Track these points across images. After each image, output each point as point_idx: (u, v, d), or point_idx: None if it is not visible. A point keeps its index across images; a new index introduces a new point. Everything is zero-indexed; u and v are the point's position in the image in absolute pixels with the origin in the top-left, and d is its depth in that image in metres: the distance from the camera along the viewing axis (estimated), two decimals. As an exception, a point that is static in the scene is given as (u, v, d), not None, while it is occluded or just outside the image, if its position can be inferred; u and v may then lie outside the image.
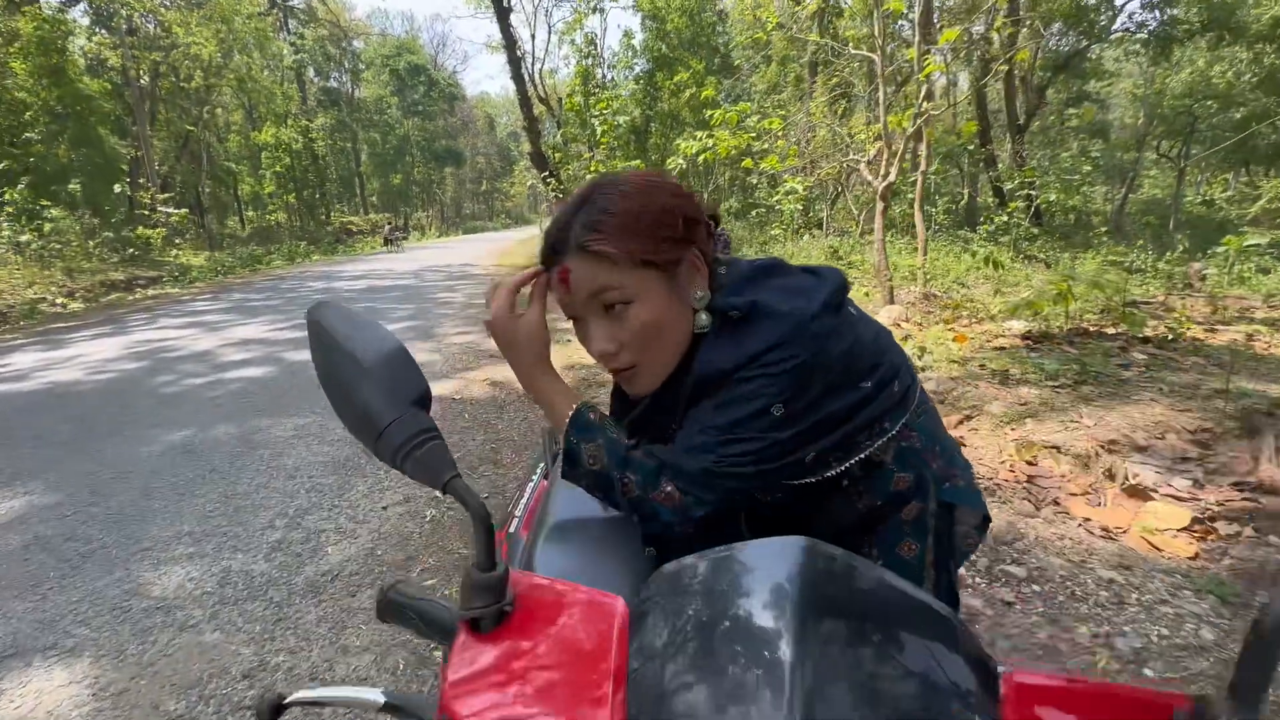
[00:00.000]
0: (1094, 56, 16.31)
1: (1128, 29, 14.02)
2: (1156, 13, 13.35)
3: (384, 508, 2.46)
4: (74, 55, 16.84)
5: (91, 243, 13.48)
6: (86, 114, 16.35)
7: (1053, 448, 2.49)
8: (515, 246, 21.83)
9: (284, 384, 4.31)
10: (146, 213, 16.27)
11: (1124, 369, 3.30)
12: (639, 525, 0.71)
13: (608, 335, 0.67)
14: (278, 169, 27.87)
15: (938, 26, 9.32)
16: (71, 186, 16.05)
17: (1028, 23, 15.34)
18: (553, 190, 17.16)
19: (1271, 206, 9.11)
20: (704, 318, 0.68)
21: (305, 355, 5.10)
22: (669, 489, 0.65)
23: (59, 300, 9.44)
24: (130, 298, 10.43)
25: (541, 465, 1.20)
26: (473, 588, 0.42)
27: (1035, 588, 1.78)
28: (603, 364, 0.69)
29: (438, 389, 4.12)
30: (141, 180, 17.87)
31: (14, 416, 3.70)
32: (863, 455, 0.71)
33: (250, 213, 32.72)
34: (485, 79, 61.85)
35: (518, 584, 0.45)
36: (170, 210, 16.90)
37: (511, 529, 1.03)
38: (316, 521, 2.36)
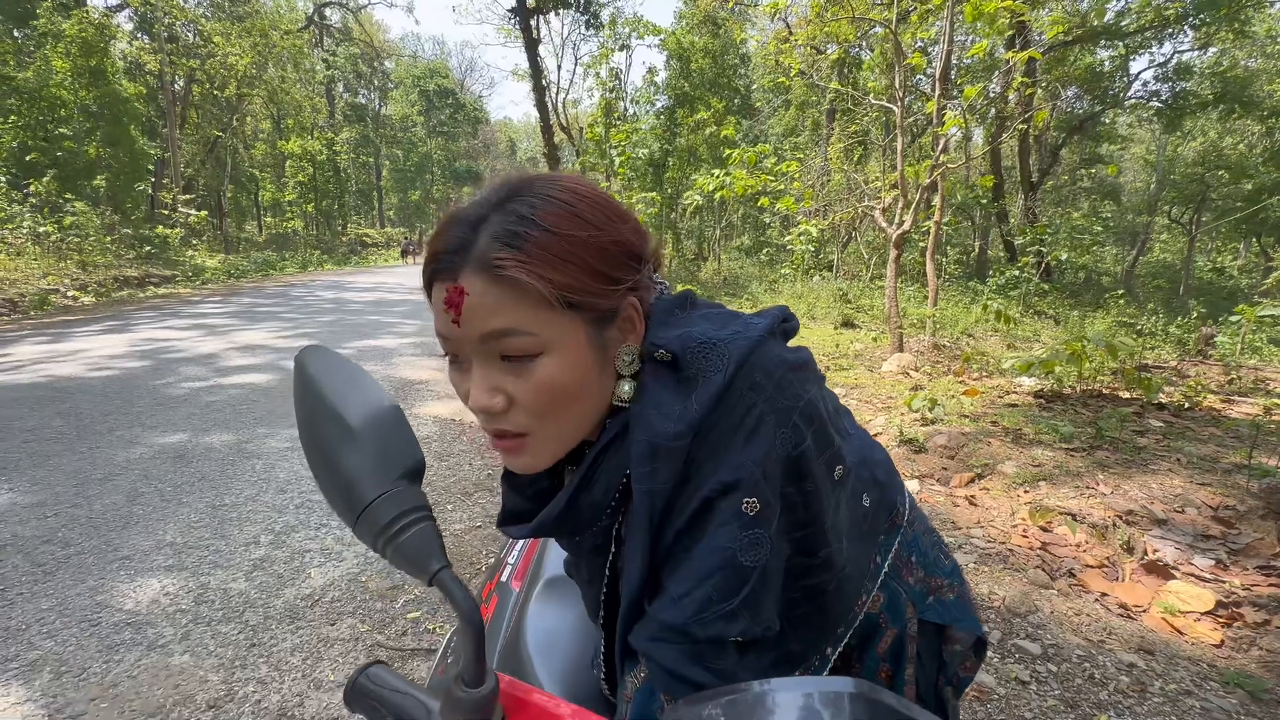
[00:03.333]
0: (1108, 121, 16.60)
1: (1141, 97, 14.28)
2: (1169, 84, 13.62)
3: (373, 530, 2.38)
4: (114, 58, 17.38)
5: (109, 238, 13.65)
6: (120, 114, 16.77)
7: (1068, 514, 2.40)
8: (526, 268, 22.02)
9: (284, 393, 4.26)
10: (167, 212, 16.52)
11: (1140, 435, 3.22)
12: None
13: (495, 386, 0.47)
14: (300, 178, 28.45)
15: (955, 82, 9.50)
16: (96, 182, 16.36)
17: (1044, 85, 15.68)
18: (567, 216, 17.37)
19: None
20: (626, 388, 0.50)
21: (308, 365, 5.08)
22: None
23: (70, 293, 9.51)
24: (141, 295, 10.50)
25: None
26: (457, 705, 0.36)
27: (1051, 667, 1.68)
28: (481, 421, 0.49)
29: (437, 409, 4.07)
30: (166, 180, 18.21)
31: (9, 409, 3.66)
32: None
33: (269, 219, 33.25)
34: (509, 104, 63.47)
35: (508, 697, 0.39)
36: (190, 211, 17.16)
37: (504, 577, 0.96)
38: (302, 540, 2.28)
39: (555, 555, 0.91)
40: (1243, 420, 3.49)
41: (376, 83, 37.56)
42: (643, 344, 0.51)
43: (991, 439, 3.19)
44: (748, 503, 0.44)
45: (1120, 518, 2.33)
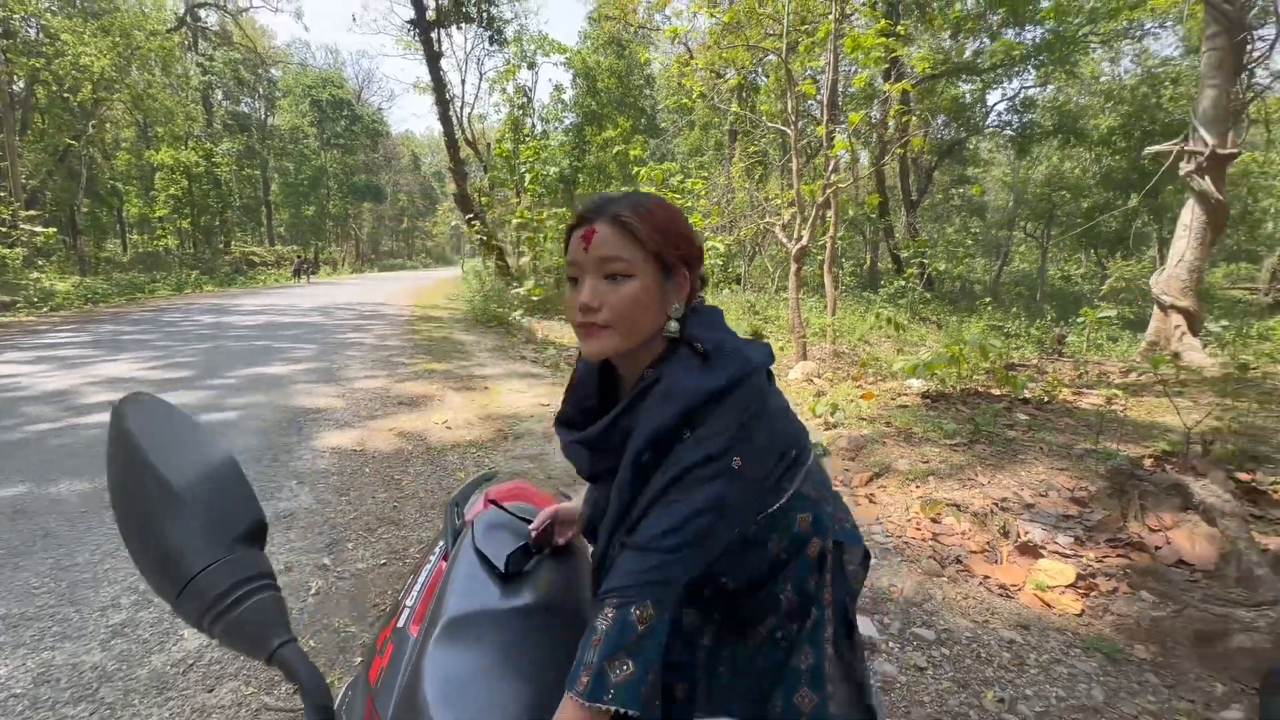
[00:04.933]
0: (972, 146, 18.59)
1: (997, 126, 16.12)
2: (1018, 115, 15.49)
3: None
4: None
5: (-72, 260, 11.73)
6: (-60, 117, 14.52)
7: (954, 505, 2.62)
8: (434, 286, 21.23)
9: (153, 431, 3.81)
10: (4, 230, 14.41)
11: (1010, 429, 3.58)
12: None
13: (599, 293, 0.72)
14: (174, 191, 25.87)
15: (843, 109, 10.27)
16: (-94, 197, 14.04)
17: (917, 113, 17.32)
18: (476, 233, 17.00)
19: (1117, 285, 10.68)
20: (673, 325, 0.75)
21: (179, 398, 4.59)
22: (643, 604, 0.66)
23: (-127, 325, 8.03)
24: (-30, 325, 9.06)
25: (441, 544, 1.07)
26: None
27: (944, 650, 1.80)
28: (581, 315, 0.72)
29: (339, 438, 3.80)
30: (2, 195, 15.91)
31: None
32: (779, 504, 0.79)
33: (136, 236, 29.94)
34: (411, 117, 61.14)
35: None
36: (35, 229, 15.06)
37: (400, 622, 0.90)
38: (174, 598, 2.03)
39: (456, 595, 0.87)
40: (1090, 410, 3.98)
41: (262, 91, 35.01)
42: (685, 328, 0.75)
43: (886, 439, 3.42)
44: (735, 460, 0.67)
45: (996, 505, 2.57)
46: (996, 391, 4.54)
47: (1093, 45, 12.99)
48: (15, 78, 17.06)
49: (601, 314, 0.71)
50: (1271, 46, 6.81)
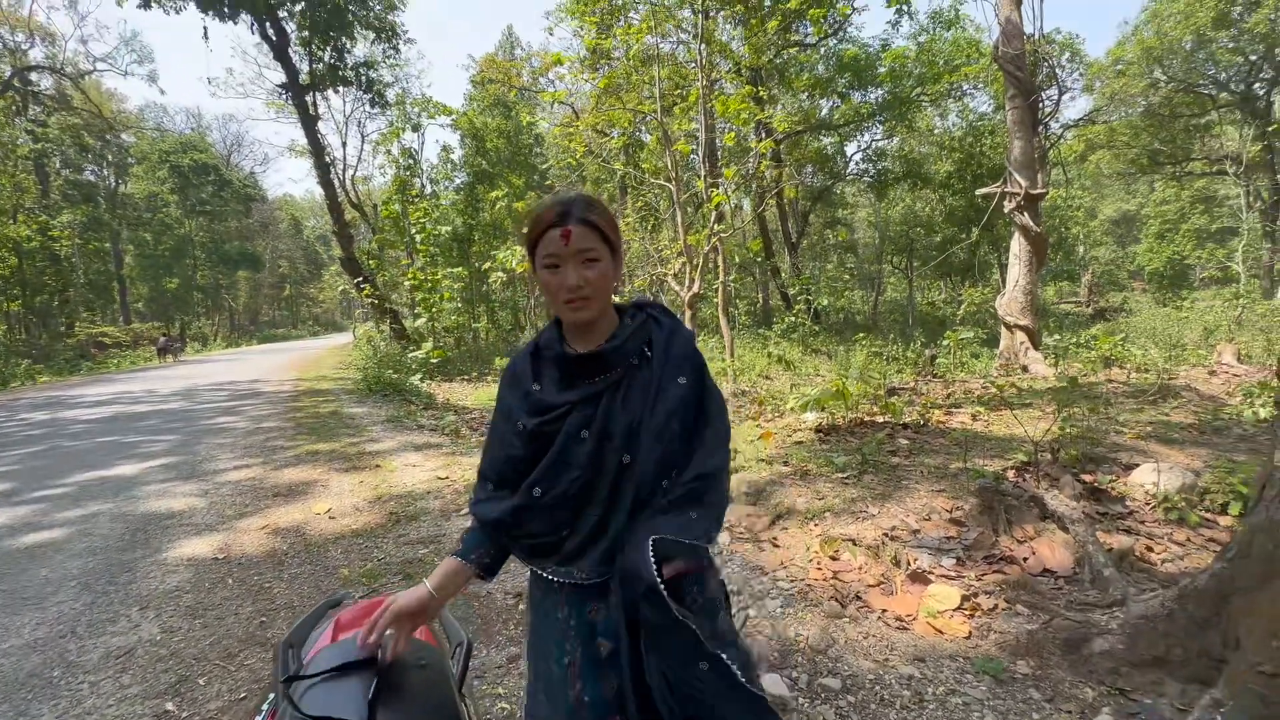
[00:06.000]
0: (838, 191, 20.56)
1: (856, 174, 17.97)
2: (873, 163, 17.39)
3: (78, 746, 1.78)
4: None
5: None
6: None
7: (850, 540, 2.71)
8: (323, 355, 19.84)
9: (-53, 567, 3.14)
10: None
11: (894, 455, 3.81)
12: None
13: (581, 276, 0.94)
14: (2, 271, 22.63)
15: (721, 163, 11.03)
16: None
17: (788, 164, 18.95)
18: (368, 296, 16.22)
19: (970, 310, 12.11)
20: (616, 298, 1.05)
21: (-6, 520, 3.85)
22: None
23: None
24: None
25: (272, 696, 0.92)
26: None
27: (850, 699, 1.81)
28: (569, 293, 0.94)
29: (196, 546, 3.33)
30: None
31: None
32: None
33: (-54, 323, 25.67)
34: (288, 181, 58.14)
35: None
36: None
37: None
38: (-50, 795, 1.62)
39: None
40: (959, 431, 4.34)
41: (111, 158, 31.98)
42: (630, 302, 1.08)
43: (785, 479, 3.52)
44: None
45: (887, 535, 2.69)
46: (880, 419, 4.86)
47: (924, 103, 14.95)
48: None
49: (585, 290, 0.94)
50: (1056, 104, 8.15)
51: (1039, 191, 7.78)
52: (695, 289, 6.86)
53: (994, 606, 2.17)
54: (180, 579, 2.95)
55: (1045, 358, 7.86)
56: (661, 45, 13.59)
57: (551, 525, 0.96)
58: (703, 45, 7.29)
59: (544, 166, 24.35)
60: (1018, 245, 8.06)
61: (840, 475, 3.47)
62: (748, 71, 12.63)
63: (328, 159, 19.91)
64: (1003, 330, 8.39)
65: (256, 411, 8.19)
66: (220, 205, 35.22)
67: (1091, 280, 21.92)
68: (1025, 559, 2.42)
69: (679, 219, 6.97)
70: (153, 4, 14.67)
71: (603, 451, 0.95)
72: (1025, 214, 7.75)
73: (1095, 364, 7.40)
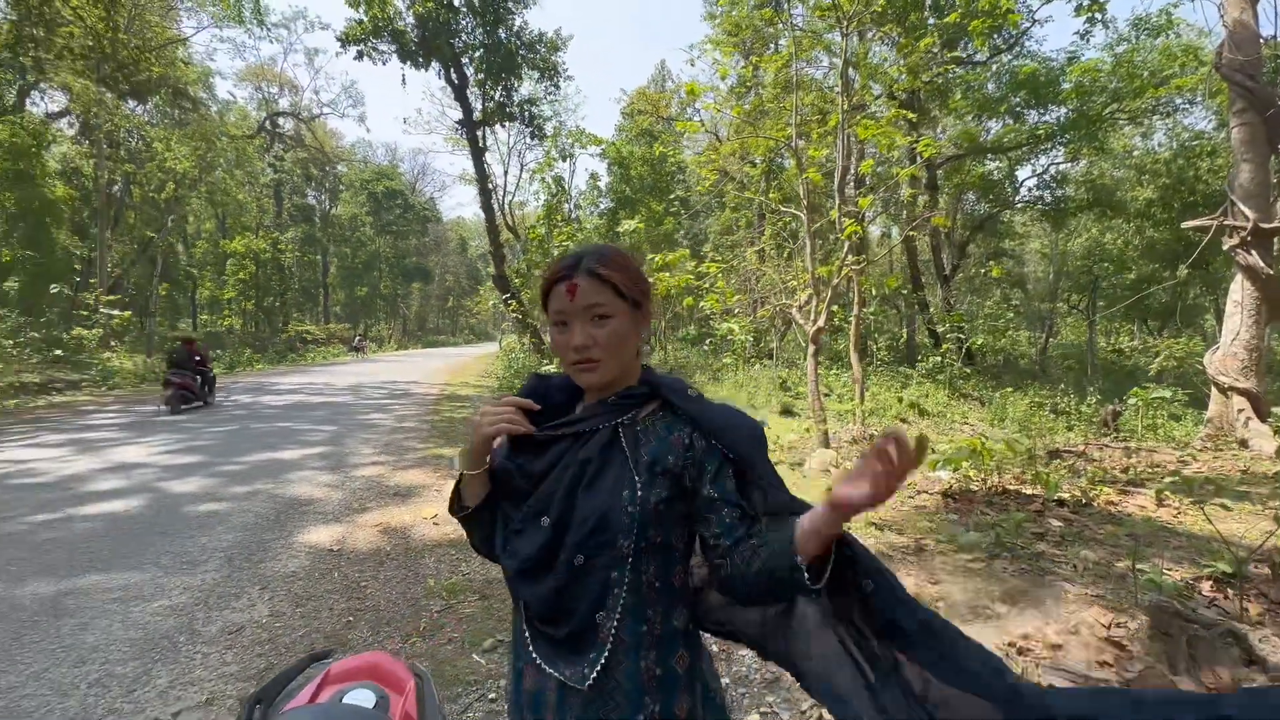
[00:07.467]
0: (1006, 220, 18.38)
1: (1028, 201, 15.94)
2: (1049, 190, 15.32)
3: (175, 714, 1.99)
4: (47, 161, 17.14)
5: (9, 342, 12.76)
6: (43, 216, 16.30)
7: (963, 641, 2.26)
8: (471, 363, 21.75)
9: (143, 523, 3.80)
10: (87, 313, 15.70)
11: (1039, 539, 3.18)
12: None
13: (588, 335, 0.86)
14: (242, 276, 28.06)
15: (858, 191, 10.37)
16: (7, 284, 15.53)
17: (946, 190, 17.35)
18: (513, 311, 17.52)
19: (1170, 364, 9.93)
20: (645, 348, 0.96)
21: (184, 485, 4.62)
22: None
23: (-55, 405, 8.63)
24: (35, 404, 9.64)
25: None
26: None
27: None
28: (576, 354, 0.86)
29: (320, 535, 3.69)
30: (92, 281, 17.49)
31: None
32: None
33: (205, 316, 32.15)
34: (458, 206, 65.48)
35: None
36: (112, 312, 16.35)
37: None
38: (74, 738, 1.87)
39: None
40: (1136, 518, 3.53)
41: (328, 185, 38.27)
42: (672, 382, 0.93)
43: (894, 553, 3.08)
44: None
45: (1014, 646, 2.20)
46: (1029, 490, 4.12)
47: (1120, 121, 12.90)
48: (114, 180, 19.15)
49: (594, 350, 0.86)
50: (1305, 120, 6.54)
51: (1272, 226, 6.26)
52: (820, 323, 6.43)
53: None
54: (298, 564, 3.27)
55: (1273, 432, 6.23)
56: (806, 70, 13.23)
57: None
58: (846, 68, 6.92)
59: (684, 194, 24.80)
60: (1240, 290, 6.53)
61: (965, 557, 2.96)
62: (902, 94, 11.82)
63: (490, 186, 22.07)
64: (1213, 392, 6.81)
65: (403, 411, 9.11)
66: (404, 226, 40.52)
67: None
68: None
69: (809, 249, 6.61)
70: (364, 56, 17.35)
71: None
72: (1252, 252, 6.27)
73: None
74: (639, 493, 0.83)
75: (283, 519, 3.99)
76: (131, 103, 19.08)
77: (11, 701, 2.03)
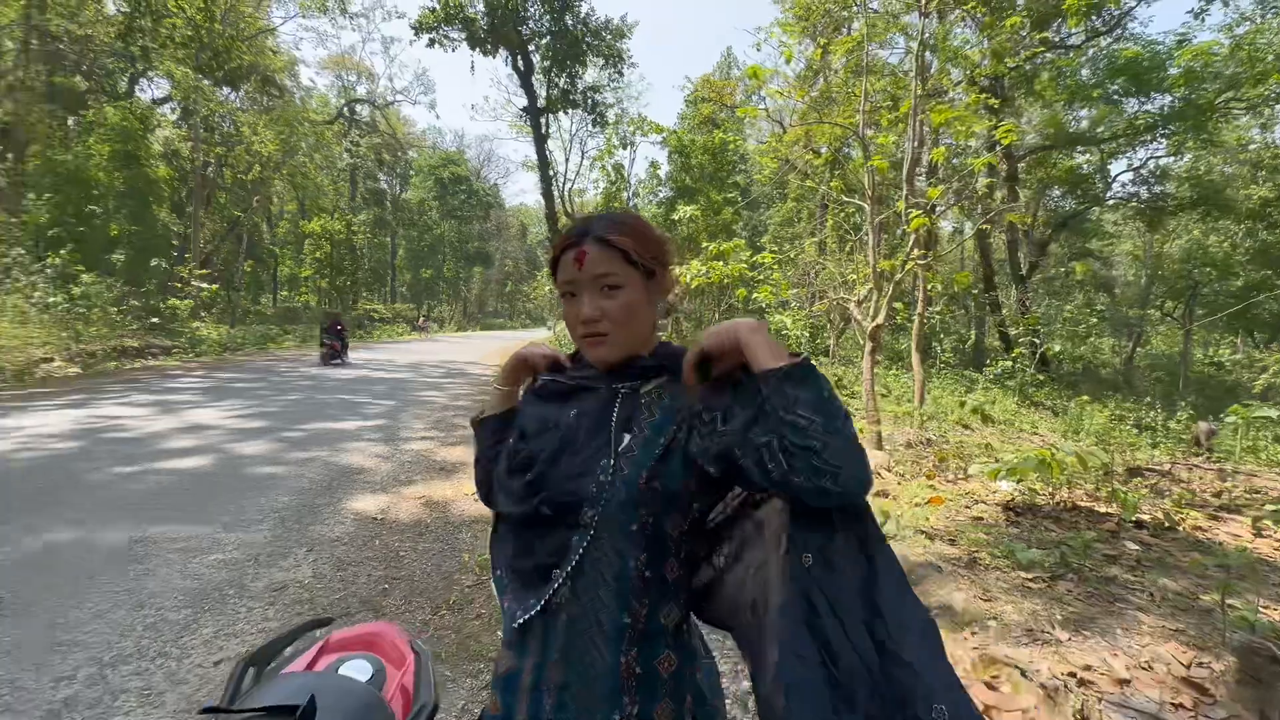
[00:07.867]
0: (1094, 218, 17.01)
1: (1122, 198, 14.68)
2: (1146, 186, 14.04)
3: (216, 663, 2.09)
4: (152, 144, 18.61)
5: (114, 309, 13.94)
6: (147, 195, 17.70)
7: (1017, 668, 2.08)
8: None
9: (209, 482, 4.05)
10: (181, 285, 17.00)
11: (1112, 562, 2.90)
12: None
13: (597, 306, 0.81)
14: (318, 255, 29.67)
15: (928, 182, 9.80)
16: (114, 256, 16.98)
17: (1028, 184, 16.21)
18: (565, 297, 17.71)
19: (1275, 380, 8.89)
20: (662, 321, 0.89)
21: (249, 448, 4.89)
22: None
23: (56, 363, 9.53)
24: (129, 366, 10.51)
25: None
26: None
27: None
28: (584, 328, 0.82)
29: (364, 503, 3.82)
30: (187, 256, 18.92)
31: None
32: None
33: (285, 292, 34.22)
34: (520, 192, 66.81)
35: None
36: (203, 285, 17.63)
37: None
38: (125, 677, 1.99)
39: None
40: (1225, 547, 3.17)
41: (399, 170, 39.83)
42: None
43: (946, 564, 2.89)
44: None
45: (1076, 675, 2.01)
46: (1103, 509, 3.78)
47: (1235, 111, 11.63)
48: (208, 162, 20.58)
49: (603, 324, 0.81)
50: None
51: None
52: (879, 319, 6.13)
53: (1236, 837, 1.45)
54: (344, 530, 3.39)
55: None
56: (878, 54, 12.58)
57: None
58: (922, 50, 6.51)
59: (743, 183, 24.32)
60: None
61: (1024, 575, 2.73)
62: (984, 80, 11.07)
63: (551, 173, 22.37)
64: (1332, 415, 6.06)
65: (457, 390, 9.37)
66: (468, 211, 41.73)
67: None
68: (1311, 776, 1.60)
69: (872, 242, 6.29)
70: (435, 44, 17.82)
71: None
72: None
73: None
74: (624, 470, 0.79)
75: (334, 485, 4.16)
76: (225, 89, 20.39)
77: (77, 637, 2.19)
